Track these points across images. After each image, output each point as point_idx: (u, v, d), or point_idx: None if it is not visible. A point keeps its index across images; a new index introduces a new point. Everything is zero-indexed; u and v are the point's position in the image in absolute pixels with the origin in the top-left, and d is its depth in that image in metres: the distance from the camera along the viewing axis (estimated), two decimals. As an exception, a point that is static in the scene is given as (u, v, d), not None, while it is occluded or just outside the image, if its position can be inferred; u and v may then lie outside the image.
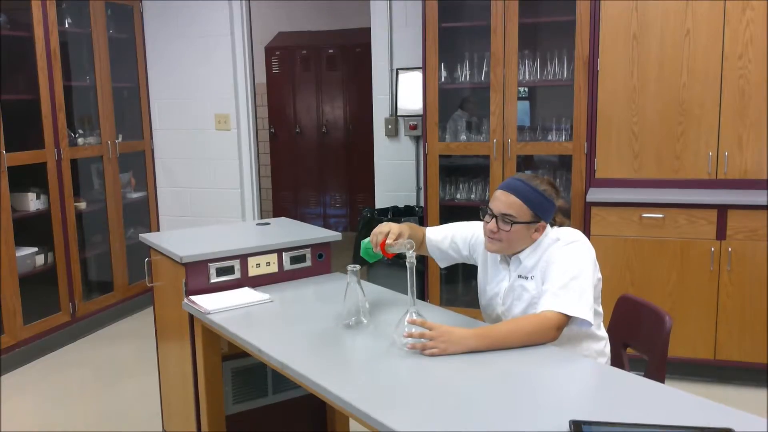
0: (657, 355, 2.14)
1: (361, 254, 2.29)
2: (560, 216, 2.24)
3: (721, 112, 3.63)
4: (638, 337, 2.30)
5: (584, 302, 1.99)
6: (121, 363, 4.12)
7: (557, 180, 4.12)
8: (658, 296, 3.55)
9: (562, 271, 2.03)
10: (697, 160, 3.71)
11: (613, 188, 3.81)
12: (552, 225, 2.19)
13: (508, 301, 2.19)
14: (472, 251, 2.34)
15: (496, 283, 2.24)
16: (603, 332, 2.22)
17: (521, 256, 2.15)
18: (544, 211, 2.11)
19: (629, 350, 2.35)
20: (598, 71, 3.79)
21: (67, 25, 4.55)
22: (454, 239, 2.38)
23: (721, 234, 3.50)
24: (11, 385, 3.83)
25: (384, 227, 2.23)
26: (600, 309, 2.19)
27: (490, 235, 2.14)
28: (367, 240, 2.25)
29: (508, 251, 2.17)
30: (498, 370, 1.82)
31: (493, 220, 2.11)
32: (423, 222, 4.26)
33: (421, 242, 2.41)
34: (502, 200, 2.10)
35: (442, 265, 2.47)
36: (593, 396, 1.78)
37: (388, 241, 2.17)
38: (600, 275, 2.16)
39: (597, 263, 2.13)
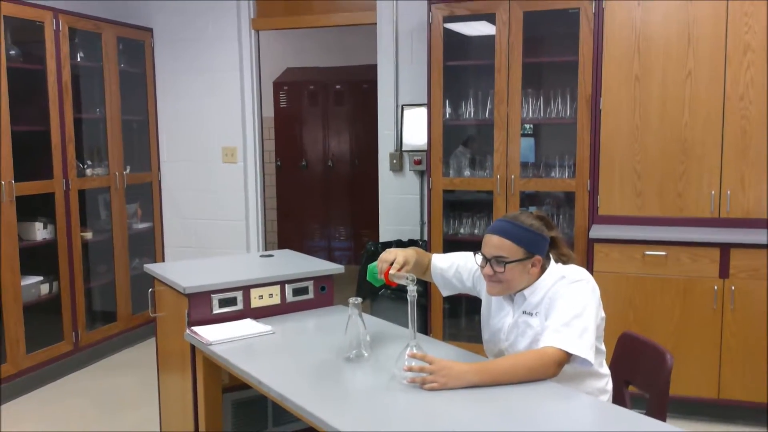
0: (658, 393, 2.13)
1: (367, 278, 2.31)
2: (564, 248, 2.24)
3: (723, 152, 3.67)
4: (640, 374, 2.29)
5: (585, 341, 1.99)
6: (122, 393, 4.11)
7: (560, 216, 4.14)
8: (661, 334, 3.53)
9: (566, 309, 2.03)
10: (699, 199, 3.73)
11: (616, 225, 3.83)
12: (557, 261, 2.20)
13: (511, 337, 2.19)
14: (476, 284, 2.35)
15: (499, 319, 2.24)
16: (605, 369, 2.22)
17: (525, 292, 2.16)
18: (535, 246, 2.12)
19: (631, 388, 2.34)
20: (600, 110, 3.84)
21: (79, 59, 4.65)
22: (459, 269, 2.38)
23: (724, 272, 3.50)
24: (13, 414, 3.82)
25: (390, 255, 2.24)
26: (602, 347, 2.19)
27: (488, 279, 2.16)
28: (374, 264, 2.27)
29: (509, 291, 2.17)
30: (498, 406, 1.82)
31: (488, 264, 2.13)
32: (426, 256, 4.27)
33: (426, 268, 2.42)
34: (491, 243, 2.13)
35: (445, 293, 2.47)
36: (593, 433, 1.77)
37: (391, 271, 2.19)
38: (603, 314, 2.16)
39: (601, 302, 2.14)
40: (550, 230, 2.20)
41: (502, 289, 2.16)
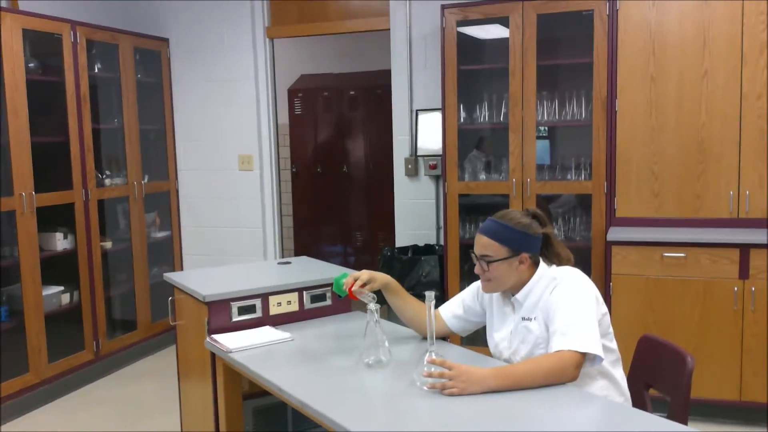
0: (679, 396, 2.12)
1: (333, 288, 2.43)
2: (558, 246, 2.25)
3: (741, 152, 3.64)
4: (660, 377, 2.28)
5: (593, 338, 2.00)
6: (143, 401, 4.15)
7: (577, 219, 4.13)
8: (681, 336, 3.51)
9: (566, 312, 2.05)
10: (718, 200, 3.70)
11: (633, 227, 3.81)
12: (551, 261, 2.22)
13: (514, 344, 2.21)
14: (481, 302, 2.38)
15: (502, 329, 2.27)
16: (618, 369, 2.21)
17: (519, 297, 2.19)
18: (520, 244, 2.15)
19: (651, 391, 2.33)
20: (616, 112, 3.82)
21: (96, 70, 4.70)
22: (465, 301, 2.42)
23: (743, 273, 3.47)
24: (35, 423, 3.86)
25: (359, 273, 2.36)
26: (612, 345, 2.19)
27: (481, 279, 2.23)
28: (340, 276, 2.39)
29: (500, 288, 2.22)
30: (517, 411, 1.82)
31: (478, 262, 2.19)
32: (443, 261, 4.27)
33: (441, 324, 2.40)
34: (478, 243, 2.20)
35: (464, 333, 2.48)
36: (614, 437, 1.76)
37: (354, 287, 2.31)
38: (605, 309, 2.17)
39: (600, 298, 2.15)
40: (544, 227, 2.22)
41: (492, 287, 2.22)
